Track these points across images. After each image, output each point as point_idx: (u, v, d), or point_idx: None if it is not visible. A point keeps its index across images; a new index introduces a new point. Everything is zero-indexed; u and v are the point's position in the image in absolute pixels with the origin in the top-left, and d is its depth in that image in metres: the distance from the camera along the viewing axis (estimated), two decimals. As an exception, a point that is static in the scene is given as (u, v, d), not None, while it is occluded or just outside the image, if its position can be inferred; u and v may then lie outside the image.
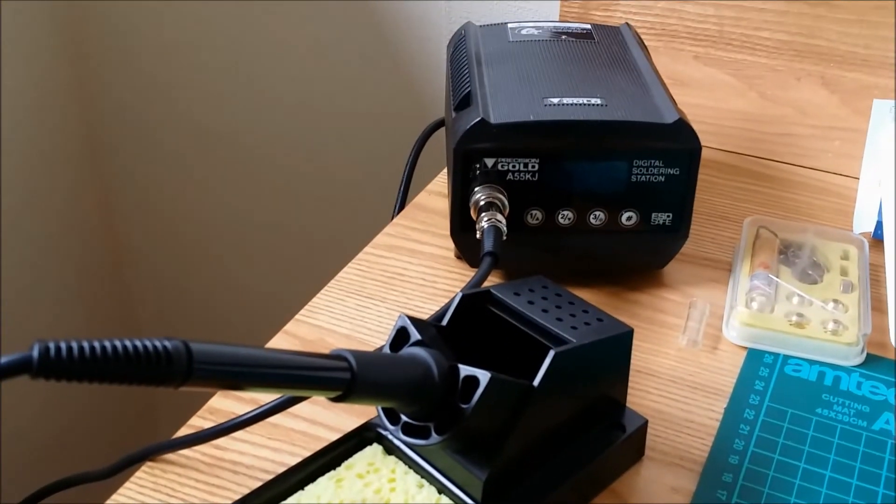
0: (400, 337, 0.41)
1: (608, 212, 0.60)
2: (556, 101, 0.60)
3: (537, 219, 0.60)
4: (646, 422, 0.49)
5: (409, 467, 0.45)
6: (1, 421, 1.13)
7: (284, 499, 0.44)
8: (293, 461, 0.46)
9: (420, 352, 0.39)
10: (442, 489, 0.44)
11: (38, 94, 1.15)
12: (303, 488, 0.44)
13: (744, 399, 0.54)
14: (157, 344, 0.30)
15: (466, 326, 0.45)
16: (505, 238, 0.57)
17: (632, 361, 0.48)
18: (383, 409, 0.41)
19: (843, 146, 0.77)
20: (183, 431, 0.50)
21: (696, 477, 0.49)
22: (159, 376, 0.30)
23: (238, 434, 0.50)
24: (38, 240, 1.19)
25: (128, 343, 0.30)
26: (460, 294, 0.46)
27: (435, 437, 0.39)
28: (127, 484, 0.48)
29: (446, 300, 0.58)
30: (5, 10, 1.07)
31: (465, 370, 0.39)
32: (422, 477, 0.45)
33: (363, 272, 0.64)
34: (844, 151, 0.77)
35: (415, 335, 0.41)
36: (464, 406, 0.39)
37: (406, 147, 0.78)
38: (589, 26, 0.72)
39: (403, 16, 0.99)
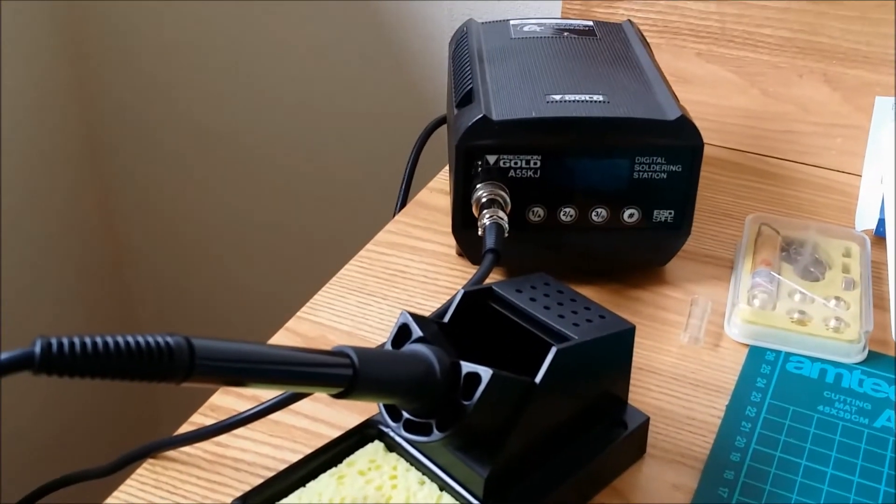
0: (402, 334, 0.41)
1: (610, 209, 0.60)
2: (558, 97, 0.59)
3: (539, 216, 0.60)
4: (647, 419, 0.49)
5: (411, 464, 0.45)
6: (1, 420, 1.13)
7: (286, 496, 0.44)
8: (294, 458, 0.45)
9: (422, 348, 0.39)
10: (443, 486, 0.44)
11: (38, 94, 1.15)
12: (304, 485, 0.44)
13: (745, 396, 0.54)
14: (160, 339, 0.30)
15: (468, 323, 0.45)
16: (507, 235, 0.57)
17: (633, 359, 0.48)
18: (385, 405, 0.41)
19: (845, 143, 0.77)
20: (184, 428, 0.50)
21: (697, 474, 0.49)
22: (161, 372, 0.30)
23: (239, 431, 0.50)
24: (38, 240, 1.19)
25: (130, 339, 0.29)
26: (462, 291, 0.46)
27: (437, 434, 0.39)
28: (128, 481, 0.48)
29: (448, 297, 0.58)
30: (5, 10, 1.07)
31: (466, 367, 0.39)
32: (423, 474, 0.45)
33: (364, 269, 0.64)
34: (846, 149, 0.77)
35: (417, 332, 0.40)
36: (466, 403, 0.39)
37: (407, 145, 0.78)
38: (591, 23, 0.71)
39: (405, 14, 0.99)
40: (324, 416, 0.51)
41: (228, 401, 0.52)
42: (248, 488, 0.44)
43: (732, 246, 0.67)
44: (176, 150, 1.21)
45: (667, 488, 0.48)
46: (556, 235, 0.61)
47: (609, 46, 0.68)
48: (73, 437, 1.27)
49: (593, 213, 0.60)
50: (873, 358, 0.57)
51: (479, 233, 0.57)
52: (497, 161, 0.58)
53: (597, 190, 0.60)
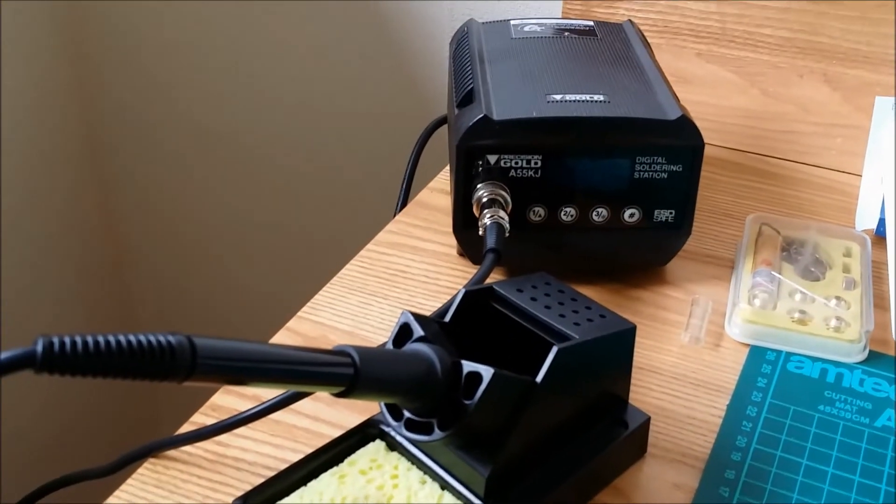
0: (403, 333, 0.41)
1: (611, 209, 0.60)
2: (558, 97, 0.59)
3: (540, 216, 0.60)
4: (648, 418, 0.49)
5: (412, 463, 0.45)
6: (1, 420, 1.13)
7: (287, 495, 0.44)
8: (295, 458, 0.45)
9: (423, 348, 0.39)
10: (445, 485, 0.44)
11: (38, 94, 1.15)
12: (305, 485, 0.44)
13: (746, 396, 0.54)
14: (161, 338, 0.30)
15: (469, 323, 0.45)
16: (507, 235, 0.57)
17: (634, 358, 0.48)
18: (386, 405, 0.41)
19: (846, 143, 0.77)
20: (185, 428, 0.50)
21: (698, 474, 0.49)
22: (163, 371, 0.30)
23: (240, 431, 0.50)
24: (38, 240, 1.19)
25: (132, 337, 0.29)
26: (463, 290, 0.46)
27: (438, 434, 0.39)
28: (129, 481, 0.48)
29: (448, 297, 0.58)
30: (5, 10, 1.07)
31: (468, 366, 0.39)
32: (424, 473, 0.45)
33: (365, 269, 0.64)
34: (846, 148, 0.77)
35: (418, 331, 0.40)
36: (467, 402, 0.39)
37: (408, 145, 0.78)
38: (591, 23, 0.71)
39: (406, 13, 0.99)
40: (325, 415, 0.51)
41: (229, 400, 0.52)
42: (249, 488, 0.44)
43: (733, 246, 0.67)
44: (176, 150, 1.21)
45: (668, 488, 0.48)
46: (556, 235, 0.61)
47: (610, 46, 0.68)
48: (73, 437, 1.27)
49: (594, 213, 0.60)
50: (874, 357, 0.57)
51: (480, 233, 0.57)
52: (498, 161, 0.58)
53: (597, 190, 0.60)
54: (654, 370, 0.56)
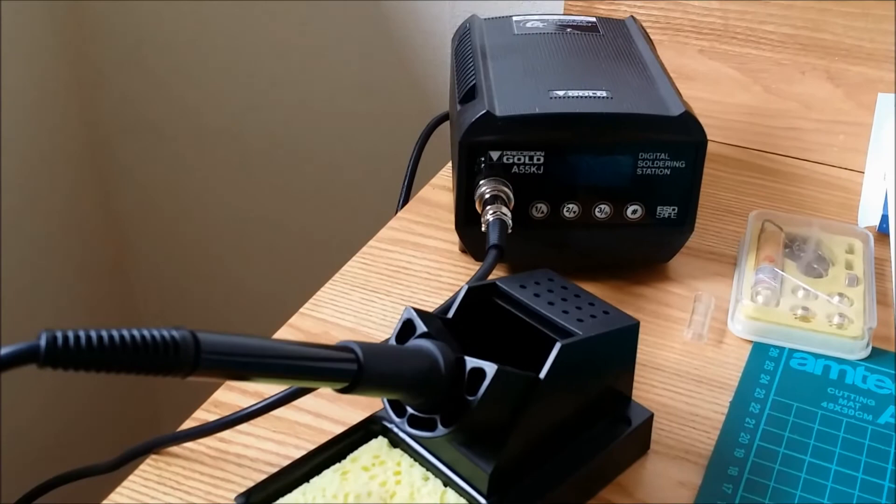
0: (406, 329, 0.41)
1: (613, 205, 0.60)
2: (561, 93, 0.59)
3: (542, 212, 0.60)
4: (651, 415, 0.49)
5: (415, 460, 0.45)
6: (1, 420, 1.13)
7: (289, 491, 0.44)
8: (298, 454, 0.45)
9: (426, 344, 0.39)
10: (447, 482, 0.43)
11: (38, 94, 1.15)
12: (308, 481, 0.44)
13: (749, 393, 0.53)
14: (165, 333, 0.30)
15: (472, 319, 0.45)
16: (510, 231, 0.56)
17: (637, 355, 0.48)
18: (389, 401, 0.41)
19: (848, 140, 0.77)
20: (187, 424, 0.50)
21: (701, 470, 0.48)
22: (166, 366, 0.30)
23: (243, 427, 0.50)
24: (38, 240, 1.19)
25: (135, 332, 0.29)
26: (466, 286, 0.45)
27: (441, 430, 0.39)
28: (131, 477, 0.48)
29: (451, 294, 0.57)
30: (5, 10, 1.07)
31: (471, 362, 0.39)
32: (427, 469, 0.44)
33: (367, 266, 0.64)
34: (849, 145, 0.77)
35: (421, 327, 0.40)
36: (470, 398, 0.38)
37: (409, 142, 0.78)
38: (594, 19, 0.71)
39: (408, 10, 0.99)
40: (327, 412, 0.51)
41: (232, 396, 0.52)
42: (251, 484, 0.44)
43: (735, 242, 0.67)
44: (176, 149, 1.21)
45: (671, 484, 0.48)
46: (559, 232, 0.61)
47: (612, 42, 0.68)
48: (74, 437, 1.27)
49: (596, 210, 0.60)
50: (877, 354, 0.57)
51: (483, 229, 0.57)
52: (500, 157, 0.58)
53: (600, 186, 0.60)
54: (657, 367, 0.55)
